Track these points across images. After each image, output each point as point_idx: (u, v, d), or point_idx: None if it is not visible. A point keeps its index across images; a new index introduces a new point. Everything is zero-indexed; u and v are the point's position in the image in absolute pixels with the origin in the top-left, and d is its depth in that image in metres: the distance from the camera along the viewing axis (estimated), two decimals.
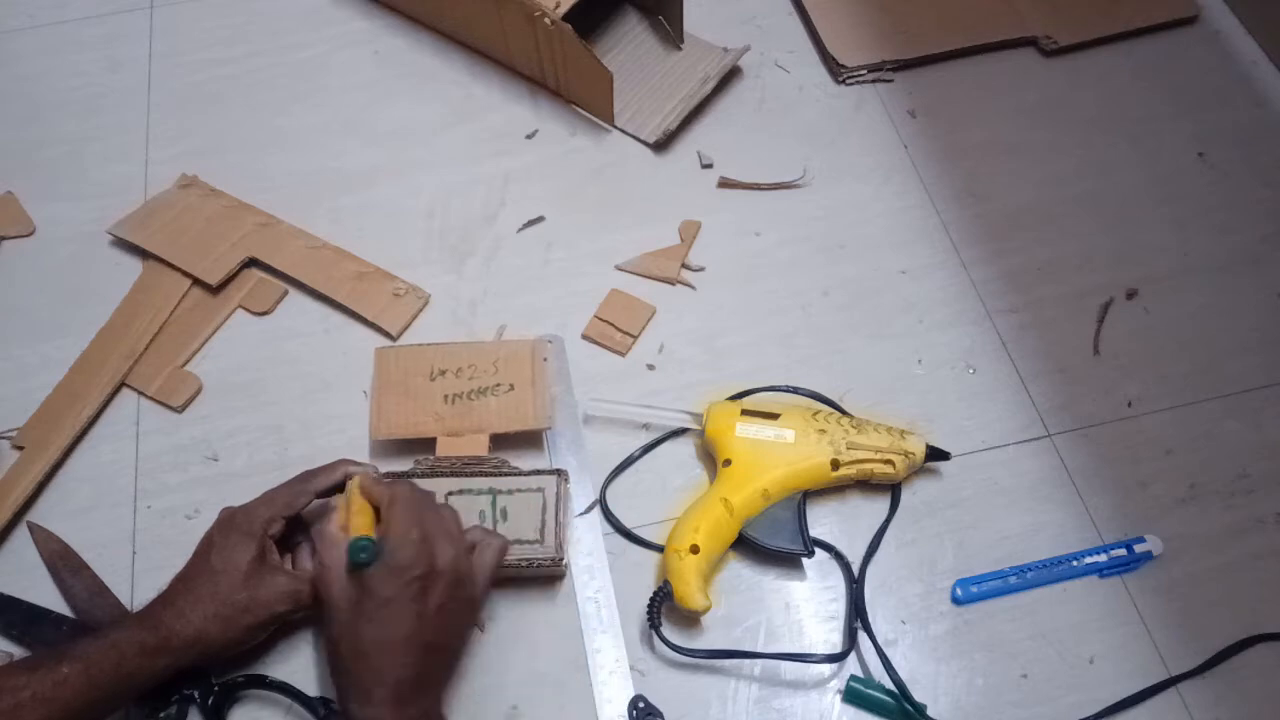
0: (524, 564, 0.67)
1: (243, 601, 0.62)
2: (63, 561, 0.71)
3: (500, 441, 0.74)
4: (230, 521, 0.65)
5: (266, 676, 0.66)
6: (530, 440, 0.76)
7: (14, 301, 0.83)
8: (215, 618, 0.61)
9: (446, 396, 0.75)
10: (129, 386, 0.79)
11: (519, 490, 0.69)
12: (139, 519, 0.73)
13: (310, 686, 0.66)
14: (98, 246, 0.86)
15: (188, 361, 0.80)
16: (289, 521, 0.67)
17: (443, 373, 0.76)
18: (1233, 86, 0.97)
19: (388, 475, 0.70)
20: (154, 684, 0.61)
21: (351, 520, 0.61)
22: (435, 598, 0.58)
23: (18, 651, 0.67)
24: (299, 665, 0.67)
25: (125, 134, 0.93)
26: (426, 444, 0.73)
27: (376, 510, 0.63)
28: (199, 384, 0.79)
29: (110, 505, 0.74)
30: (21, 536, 0.72)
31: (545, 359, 0.77)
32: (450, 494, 0.69)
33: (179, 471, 0.75)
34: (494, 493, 0.69)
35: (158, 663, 0.60)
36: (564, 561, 0.69)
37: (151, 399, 0.78)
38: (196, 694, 0.64)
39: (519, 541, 0.68)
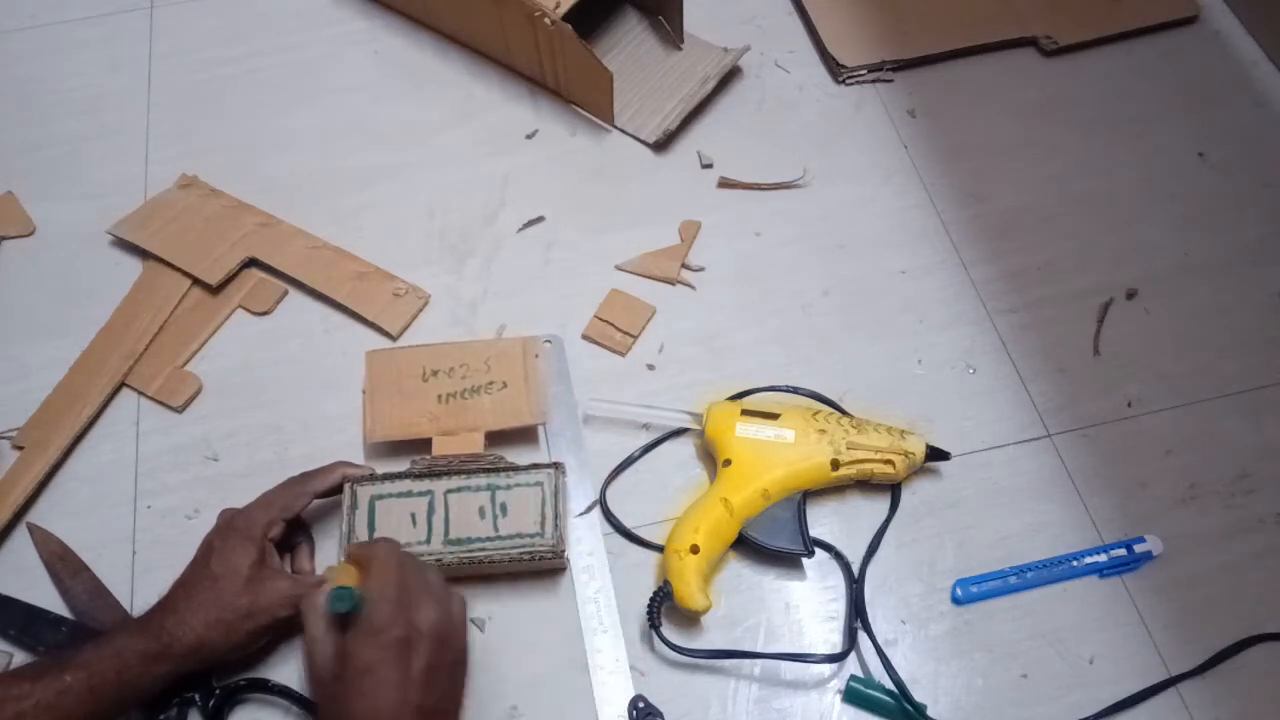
0: (525, 556, 0.67)
1: (244, 607, 0.62)
2: (62, 563, 0.71)
3: (496, 439, 0.74)
4: (229, 526, 0.65)
5: (269, 681, 0.65)
6: (526, 437, 0.76)
7: (14, 301, 0.83)
8: (217, 623, 0.61)
9: (440, 396, 0.75)
10: (129, 386, 0.79)
11: (517, 485, 0.70)
12: (139, 519, 0.73)
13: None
14: (98, 246, 0.86)
15: (188, 361, 0.80)
16: (288, 524, 0.67)
17: (435, 373, 0.76)
18: (1233, 86, 0.97)
19: (385, 476, 0.70)
20: (156, 690, 0.61)
21: (335, 578, 0.59)
22: (420, 660, 0.54)
23: (17, 652, 0.67)
24: (300, 668, 0.67)
25: (125, 134, 0.93)
26: (422, 444, 0.73)
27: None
28: (199, 384, 0.79)
29: (110, 505, 0.74)
30: (21, 537, 0.72)
31: (537, 355, 0.77)
32: (449, 491, 0.70)
33: (179, 471, 0.75)
34: (492, 488, 0.70)
35: (160, 670, 0.60)
36: (564, 553, 0.69)
37: (151, 399, 0.78)
38: (197, 697, 0.64)
39: (519, 535, 0.68)
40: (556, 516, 0.69)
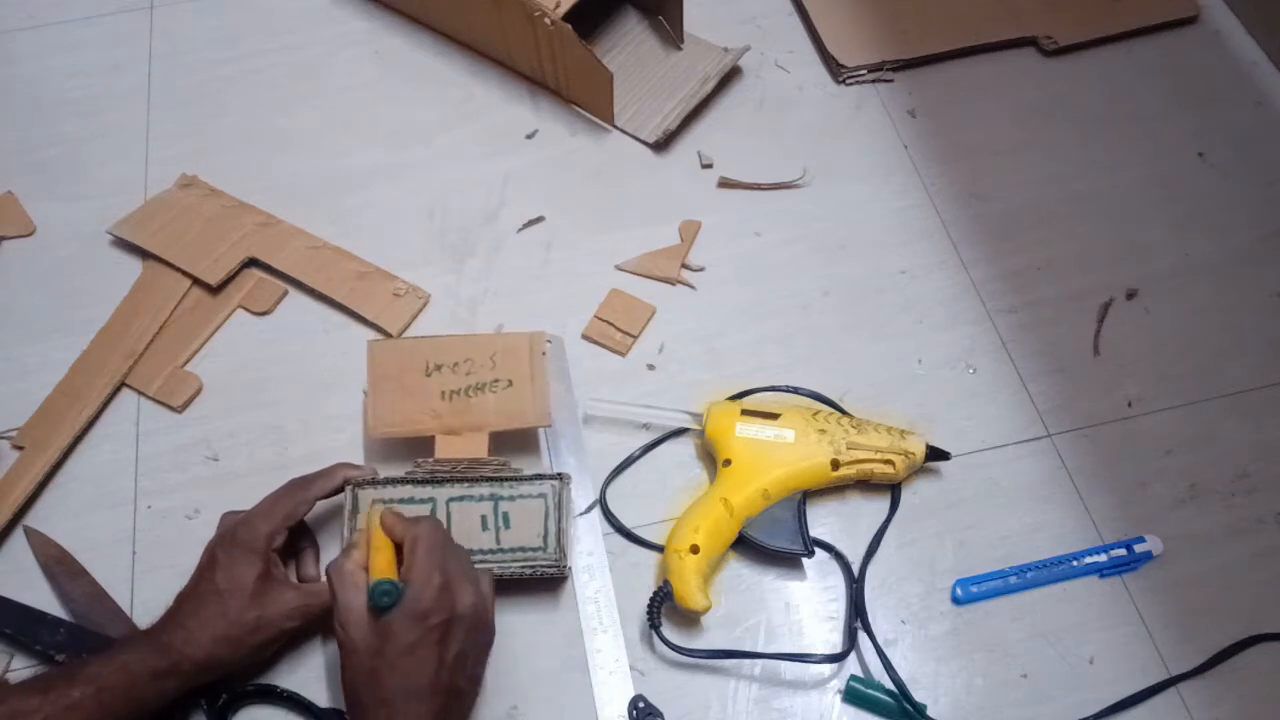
0: (528, 570, 0.67)
1: (251, 621, 0.62)
2: (60, 566, 0.70)
3: (498, 439, 0.73)
4: (232, 538, 0.64)
5: (278, 688, 0.65)
6: (525, 436, 0.76)
7: (14, 301, 0.83)
8: (225, 639, 0.61)
9: (444, 393, 0.73)
10: (129, 386, 0.79)
11: (521, 496, 0.69)
12: (139, 519, 0.73)
13: (320, 695, 0.66)
14: (98, 246, 0.86)
15: (188, 361, 0.80)
16: (291, 530, 0.66)
17: (439, 367, 0.74)
18: (1233, 86, 0.97)
19: (387, 480, 0.70)
20: (165, 705, 0.60)
21: (372, 559, 0.59)
22: (455, 644, 0.57)
23: (16, 654, 0.67)
24: (306, 673, 0.67)
25: (125, 134, 0.93)
26: (424, 444, 0.73)
27: (397, 546, 0.61)
28: (199, 384, 0.79)
29: (110, 506, 0.74)
30: (20, 538, 0.72)
31: (544, 352, 0.75)
32: (451, 500, 0.69)
33: (179, 471, 0.75)
34: (495, 498, 0.69)
35: (168, 685, 0.59)
36: (566, 566, 0.68)
37: (151, 399, 0.78)
38: (204, 702, 0.64)
39: (521, 548, 0.68)
40: (559, 531, 0.68)
